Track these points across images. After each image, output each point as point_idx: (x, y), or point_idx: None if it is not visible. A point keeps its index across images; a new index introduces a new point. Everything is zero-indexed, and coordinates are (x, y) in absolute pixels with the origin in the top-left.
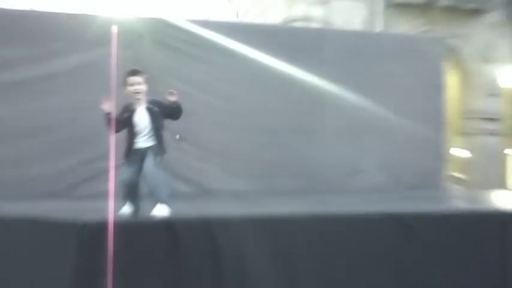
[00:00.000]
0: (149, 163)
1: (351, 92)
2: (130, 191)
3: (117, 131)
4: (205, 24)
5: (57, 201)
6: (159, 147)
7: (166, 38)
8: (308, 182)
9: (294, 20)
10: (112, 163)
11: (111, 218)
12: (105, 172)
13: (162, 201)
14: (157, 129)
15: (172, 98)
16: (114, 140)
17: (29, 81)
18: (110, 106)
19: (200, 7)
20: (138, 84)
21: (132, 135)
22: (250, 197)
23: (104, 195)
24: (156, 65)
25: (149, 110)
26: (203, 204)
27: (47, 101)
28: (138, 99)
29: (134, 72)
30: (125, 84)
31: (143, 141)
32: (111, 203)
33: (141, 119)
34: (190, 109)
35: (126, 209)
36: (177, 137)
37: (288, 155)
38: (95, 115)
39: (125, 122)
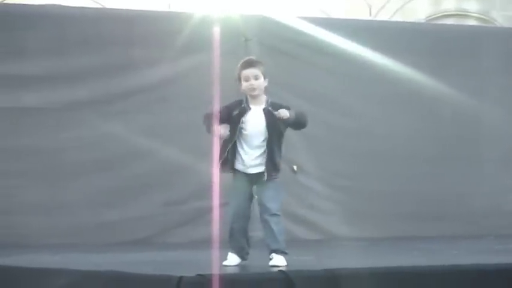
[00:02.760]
0: (270, 198)
1: None
2: (240, 233)
3: (220, 132)
4: (329, 23)
5: (141, 252)
6: (273, 166)
7: (279, 41)
8: (467, 225)
9: (443, 17)
10: (216, 201)
11: (215, 270)
12: (201, 215)
13: (281, 251)
14: (272, 141)
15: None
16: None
17: (98, 100)
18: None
19: (322, 2)
20: (255, 79)
21: (238, 141)
22: (387, 245)
23: (198, 243)
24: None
25: (267, 113)
26: (327, 254)
27: (123, 125)
28: (255, 96)
29: (251, 64)
30: (239, 79)
31: (256, 157)
32: (215, 252)
33: (255, 122)
34: (311, 132)
35: (232, 259)
36: (295, 168)
37: (438, 190)
38: (185, 142)
39: (232, 121)
